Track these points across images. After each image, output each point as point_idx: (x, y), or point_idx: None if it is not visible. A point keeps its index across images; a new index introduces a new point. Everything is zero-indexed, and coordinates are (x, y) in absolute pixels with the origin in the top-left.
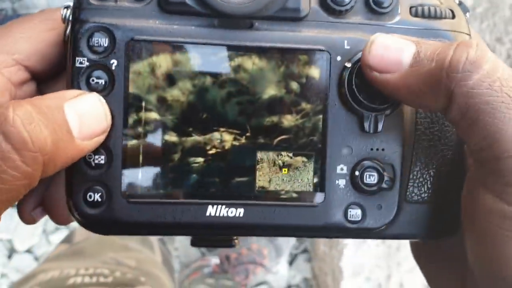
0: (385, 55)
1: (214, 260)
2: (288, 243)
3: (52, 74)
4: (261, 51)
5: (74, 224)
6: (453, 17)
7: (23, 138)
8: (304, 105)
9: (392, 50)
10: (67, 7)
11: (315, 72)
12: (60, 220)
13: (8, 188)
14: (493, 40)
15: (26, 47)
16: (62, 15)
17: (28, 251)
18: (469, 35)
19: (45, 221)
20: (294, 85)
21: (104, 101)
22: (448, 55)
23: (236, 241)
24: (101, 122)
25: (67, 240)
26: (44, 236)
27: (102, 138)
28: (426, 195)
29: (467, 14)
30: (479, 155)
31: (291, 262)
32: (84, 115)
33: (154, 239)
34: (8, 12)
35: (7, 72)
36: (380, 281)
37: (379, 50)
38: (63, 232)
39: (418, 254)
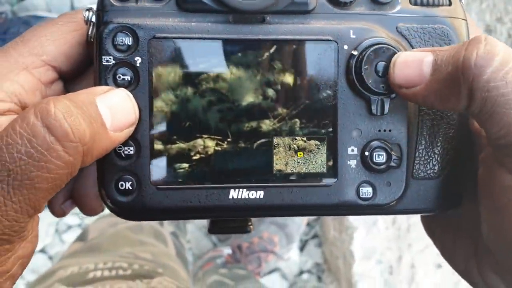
0: (408, 72)
1: (226, 250)
2: (298, 230)
3: (77, 72)
4: (274, 43)
5: (87, 222)
6: (450, 4)
7: (65, 129)
8: (316, 92)
9: (413, 65)
10: (89, 9)
11: (325, 60)
12: (89, 211)
13: (53, 176)
14: (493, 20)
15: (52, 48)
16: (85, 17)
17: (42, 250)
18: (465, 20)
19: (58, 221)
20: (306, 73)
21: (131, 95)
22: (461, 55)
23: (251, 226)
24: (130, 115)
25: (81, 238)
26: (57, 235)
27: (131, 130)
28: (431, 171)
29: (462, 1)
30: (498, 142)
31: (302, 248)
32: (115, 108)
33: (167, 233)
34: (8, 15)
35: (37, 73)
36: (392, 263)
37: (401, 69)
38: (75, 230)
39: (431, 227)
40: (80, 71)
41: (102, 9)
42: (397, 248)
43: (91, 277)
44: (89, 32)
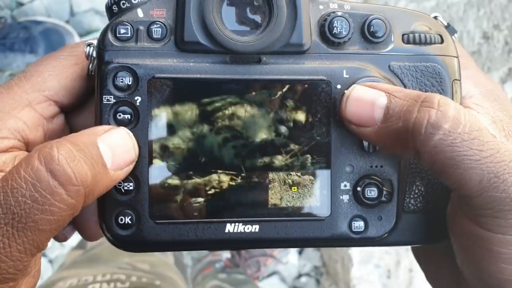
0: (359, 111)
1: (225, 255)
2: None
3: (78, 104)
4: (270, 83)
5: None
6: (442, 41)
7: (68, 174)
8: (311, 130)
9: (365, 105)
10: (89, 45)
11: (318, 99)
12: (89, 237)
13: (56, 218)
14: (490, 27)
15: (54, 84)
16: (86, 52)
17: (42, 254)
18: (457, 57)
19: None
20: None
21: (131, 134)
22: (412, 117)
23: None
24: (130, 153)
25: (80, 246)
26: None
27: (131, 167)
28: (421, 205)
29: (455, 35)
30: (454, 192)
31: (300, 252)
32: (115, 147)
33: None
34: (7, 20)
35: (39, 108)
36: (390, 267)
37: (354, 106)
38: (76, 235)
39: (418, 254)
40: (81, 103)
41: (103, 48)
42: (395, 252)
43: None
44: (90, 67)
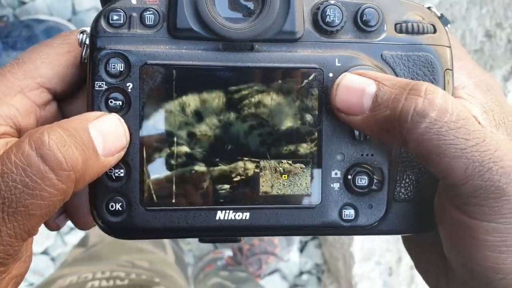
0: (349, 98)
1: (227, 252)
2: None
3: (70, 92)
4: (262, 69)
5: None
6: (435, 31)
7: (59, 159)
8: (302, 117)
9: (355, 92)
10: (82, 32)
11: (310, 87)
12: (82, 226)
13: (46, 203)
14: (493, 25)
15: (47, 71)
16: (79, 39)
17: (44, 252)
18: (449, 47)
19: None
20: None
21: (123, 120)
22: (399, 105)
23: (240, 237)
24: (121, 140)
25: (82, 243)
26: (59, 237)
27: (122, 154)
28: (412, 194)
29: (448, 26)
30: (441, 180)
31: (302, 249)
32: (106, 133)
33: (166, 240)
34: (9, 18)
35: (32, 95)
36: (391, 265)
37: (344, 93)
38: (78, 232)
39: (408, 244)
40: (74, 91)
41: (95, 35)
42: (396, 249)
43: (89, 287)
44: (83, 54)
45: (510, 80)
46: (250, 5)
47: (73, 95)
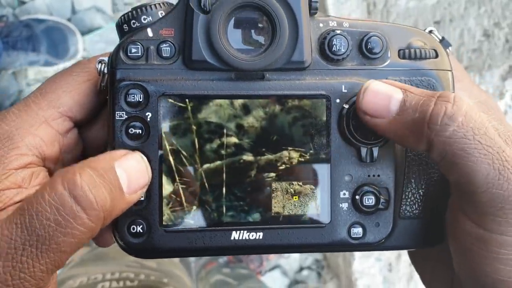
0: (376, 102)
1: None
2: None
3: (90, 118)
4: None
5: None
6: (436, 56)
7: (90, 200)
8: (313, 141)
9: (382, 97)
10: (100, 62)
11: (319, 113)
12: (103, 244)
13: (76, 241)
14: (491, 24)
15: (68, 100)
16: (98, 69)
17: None
18: (450, 70)
19: None
20: (306, 123)
21: (145, 157)
22: (429, 108)
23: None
24: (144, 177)
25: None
26: None
27: (144, 189)
28: (417, 211)
29: (449, 48)
30: (459, 188)
31: None
32: (131, 172)
33: None
34: (9, 18)
35: (55, 124)
36: (391, 261)
37: (371, 97)
38: None
39: (414, 257)
40: (93, 116)
41: (115, 66)
42: None
43: None
44: (101, 82)
45: (508, 79)
46: (261, 38)
47: (92, 121)
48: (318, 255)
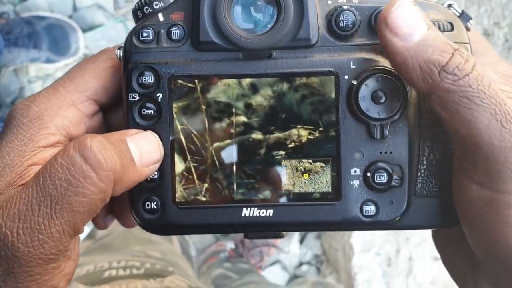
0: (403, 22)
1: (229, 245)
2: None
3: (114, 103)
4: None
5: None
6: (452, 29)
7: (99, 159)
8: (321, 119)
9: (410, 20)
10: (120, 48)
11: (327, 90)
12: (127, 224)
13: (88, 201)
14: (491, 24)
15: (94, 85)
16: (117, 55)
17: None
18: (468, 43)
19: None
20: (314, 101)
21: (157, 136)
22: (447, 55)
23: (283, 232)
24: (156, 154)
25: (90, 236)
26: None
27: (157, 166)
28: (433, 190)
29: (470, 21)
30: (461, 144)
31: (301, 241)
32: (142, 147)
33: None
34: (10, 15)
35: (82, 107)
36: (390, 256)
37: (400, 14)
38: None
39: (436, 238)
40: (117, 101)
41: (128, 50)
42: (395, 241)
43: (107, 276)
44: (122, 68)
45: None
46: (267, 17)
47: (116, 105)
48: (317, 250)
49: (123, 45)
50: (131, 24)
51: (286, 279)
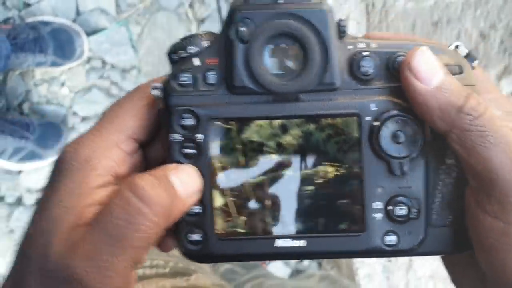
0: (424, 68)
1: None
2: None
3: (151, 138)
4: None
5: None
6: (461, 72)
7: (151, 197)
8: (346, 156)
9: (430, 67)
10: (155, 88)
11: (351, 130)
12: (164, 248)
13: (146, 236)
14: (487, 26)
15: (132, 124)
16: (153, 94)
17: None
18: (475, 85)
19: None
20: (339, 140)
21: (196, 169)
22: (462, 98)
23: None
24: (196, 184)
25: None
26: None
27: (198, 195)
28: (446, 220)
29: (475, 62)
30: (476, 179)
31: None
32: (183, 179)
33: None
34: (15, 20)
35: (124, 147)
36: None
37: (421, 61)
38: None
39: (445, 261)
40: (153, 136)
41: (168, 93)
42: None
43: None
44: (158, 107)
45: (503, 79)
46: (295, 63)
47: (153, 140)
48: None
49: (157, 84)
50: (133, 28)
51: (288, 274)
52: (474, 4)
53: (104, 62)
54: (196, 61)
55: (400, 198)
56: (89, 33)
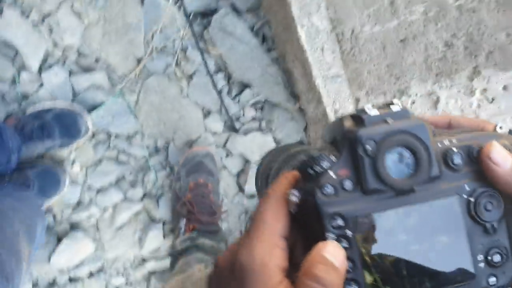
0: (499, 157)
1: None
2: None
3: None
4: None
5: (132, 278)
6: None
7: (328, 281)
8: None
9: (502, 155)
10: (293, 195)
11: (453, 208)
12: None
13: None
14: (449, 36)
15: (280, 225)
16: (291, 200)
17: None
18: None
19: (106, 283)
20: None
21: (340, 246)
22: None
23: None
24: (343, 259)
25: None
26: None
27: (346, 268)
28: None
29: None
30: None
31: None
32: (333, 253)
33: None
34: (18, 114)
35: (281, 245)
36: None
37: (496, 152)
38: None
39: None
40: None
41: (319, 203)
42: None
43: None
44: (292, 209)
45: (474, 78)
46: (409, 165)
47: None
48: None
49: (294, 192)
50: (129, 96)
51: None
52: (434, 19)
53: (108, 134)
54: (333, 174)
55: (494, 250)
56: (89, 110)
